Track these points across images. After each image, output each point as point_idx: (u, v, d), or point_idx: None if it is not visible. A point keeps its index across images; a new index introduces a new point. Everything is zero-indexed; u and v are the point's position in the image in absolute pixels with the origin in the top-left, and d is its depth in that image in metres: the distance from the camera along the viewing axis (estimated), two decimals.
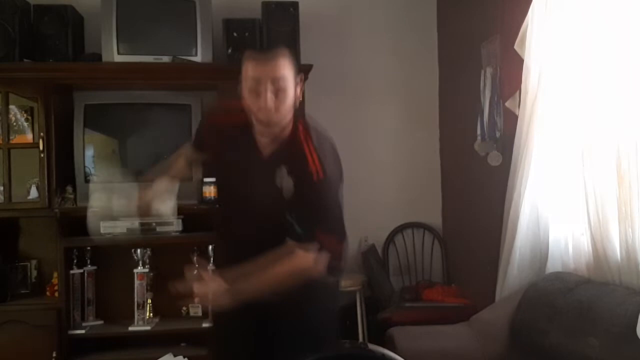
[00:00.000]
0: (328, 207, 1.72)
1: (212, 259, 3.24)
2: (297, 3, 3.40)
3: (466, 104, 3.41)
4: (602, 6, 2.16)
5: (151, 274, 3.27)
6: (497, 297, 2.70)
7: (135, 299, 3.23)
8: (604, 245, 2.17)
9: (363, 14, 3.90)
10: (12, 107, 3.25)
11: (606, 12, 2.13)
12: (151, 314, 3.27)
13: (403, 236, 3.90)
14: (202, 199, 3.23)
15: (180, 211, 3.23)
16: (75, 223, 3.23)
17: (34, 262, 3.41)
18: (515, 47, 2.66)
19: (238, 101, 1.74)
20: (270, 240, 1.68)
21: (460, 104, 3.59)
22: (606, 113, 2.15)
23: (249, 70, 1.68)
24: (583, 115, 2.28)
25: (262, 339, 1.82)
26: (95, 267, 3.31)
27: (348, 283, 3.34)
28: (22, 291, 3.33)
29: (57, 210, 3.12)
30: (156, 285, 3.29)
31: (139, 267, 3.23)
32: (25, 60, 3.19)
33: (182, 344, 3.18)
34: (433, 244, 3.90)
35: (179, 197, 3.17)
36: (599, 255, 2.21)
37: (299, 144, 1.72)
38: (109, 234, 3.20)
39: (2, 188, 3.20)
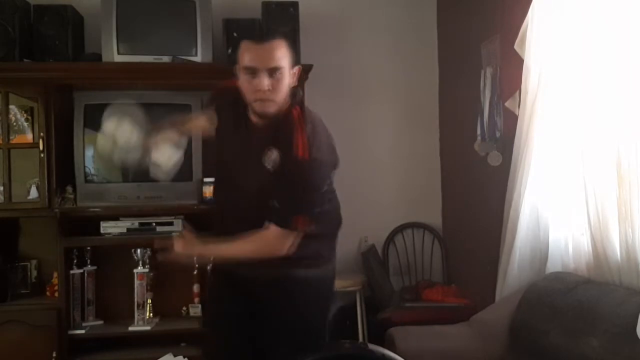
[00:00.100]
0: (306, 189, 1.71)
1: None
2: (297, 3, 3.40)
3: (466, 104, 3.41)
4: (602, 6, 2.16)
5: (151, 274, 3.27)
6: (497, 297, 2.70)
7: (135, 299, 3.23)
8: (604, 245, 2.17)
9: (363, 14, 3.90)
10: (12, 107, 3.25)
11: (606, 12, 2.13)
12: (151, 314, 3.27)
13: (403, 236, 3.90)
14: (202, 199, 3.23)
15: (180, 211, 3.25)
16: (75, 223, 3.24)
17: (34, 262, 3.41)
18: (515, 47, 2.66)
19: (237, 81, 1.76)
20: (257, 218, 1.70)
21: (460, 104, 3.59)
22: (606, 113, 2.14)
23: (245, 59, 1.69)
24: (583, 115, 2.28)
25: (249, 321, 1.85)
26: (95, 267, 3.31)
27: (348, 283, 3.34)
28: (22, 291, 3.33)
29: (57, 210, 3.11)
30: (156, 285, 3.30)
31: (139, 267, 3.23)
32: (25, 60, 3.19)
33: (182, 344, 3.18)
34: (433, 244, 3.90)
35: (179, 197, 3.22)
36: (599, 255, 2.21)
37: (290, 125, 1.71)
38: (108, 234, 3.21)
39: (2, 188, 3.20)
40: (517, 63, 2.65)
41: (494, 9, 3.06)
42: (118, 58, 3.20)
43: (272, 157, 1.72)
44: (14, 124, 3.27)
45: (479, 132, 3.16)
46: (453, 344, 2.54)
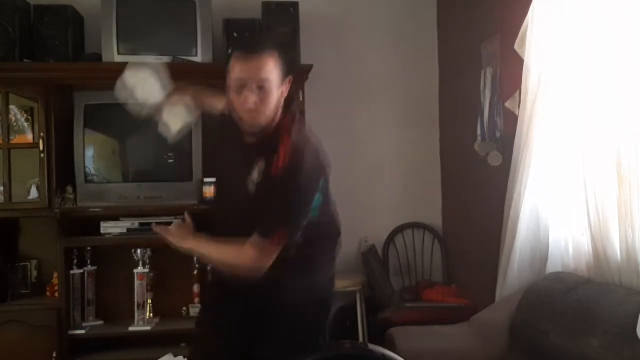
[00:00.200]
0: (288, 202, 1.68)
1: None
2: (297, 3, 3.40)
3: (466, 104, 3.41)
4: (602, 6, 2.16)
5: (151, 274, 3.27)
6: (497, 297, 2.70)
7: (135, 299, 3.23)
8: (604, 245, 2.17)
9: (363, 14, 3.90)
10: (12, 107, 3.25)
11: (606, 12, 2.13)
12: (151, 314, 3.27)
13: (403, 236, 3.90)
14: (202, 199, 3.23)
15: (180, 211, 3.24)
16: (75, 223, 3.24)
17: (34, 262, 3.41)
18: (515, 47, 2.66)
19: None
20: (247, 232, 1.69)
21: (460, 104, 3.59)
22: (606, 113, 2.14)
23: (235, 70, 1.68)
24: (583, 115, 2.28)
25: (248, 321, 1.85)
26: (95, 267, 3.31)
27: (348, 283, 3.34)
28: (22, 291, 3.33)
29: (57, 210, 3.12)
30: (156, 285, 3.30)
31: (139, 267, 3.23)
32: (25, 60, 3.19)
33: (182, 344, 3.17)
34: (433, 244, 3.90)
35: (179, 197, 3.22)
36: (599, 255, 2.21)
37: (277, 138, 1.70)
38: (108, 234, 3.21)
39: (2, 188, 3.20)
40: (517, 63, 2.65)
41: (494, 9, 3.06)
42: (118, 58, 3.20)
43: (259, 170, 1.73)
44: (14, 124, 3.27)
45: (479, 132, 3.16)
46: (453, 344, 2.54)
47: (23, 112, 3.29)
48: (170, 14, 3.34)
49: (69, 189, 3.19)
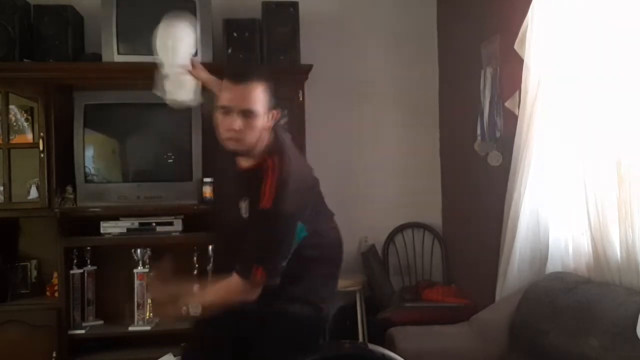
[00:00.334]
0: (268, 240, 1.72)
1: (212, 259, 3.24)
2: (297, 3, 3.40)
3: (466, 104, 3.41)
4: (602, 6, 2.16)
5: (151, 274, 3.27)
6: (497, 297, 2.70)
7: (135, 299, 3.23)
8: (604, 245, 2.17)
9: (363, 14, 3.90)
10: (12, 107, 3.25)
11: (606, 12, 2.13)
12: (151, 314, 3.27)
13: (403, 236, 3.90)
14: (202, 199, 3.23)
15: (180, 211, 3.25)
16: (75, 223, 3.24)
17: (34, 262, 3.41)
18: (515, 47, 2.66)
19: None
20: (234, 258, 1.74)
21: (460, 104, 3.59)
22: (606, 113, 2.14)
23: (222, 98, 1.74)
24: (583, 115, 2.28)
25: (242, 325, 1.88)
26: (95, 267, 3.31)
27: (348, 283, 3.34)
28: (22, 291, 3.33)
29: (57, 210, 3.11)
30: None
31: (139, 267, 3.23)
32: (25, 60, 3.19)
33: (182, 344, 3.17)
34: (433, 244, 3.90)
35: (179, 197, 3.23)
36: (599, 255, 2.21)
37: (262, 175, 1.74)
38: (108, 234, 3.21)
39: (2, 188, 3.20)
40: (517, 63, 2.65)
41: (494, 9, 3.06)
42: (118, 58, 3.20)
43: (244, 205, 1.78)
44: (14, 124, 3.27)
45: (479, 132, 3.16)
46: (453, 344, 2.54)
47: (23, 112, 3.29)
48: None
49: (69, 189, 3.19)
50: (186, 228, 3.24)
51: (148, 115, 3.31)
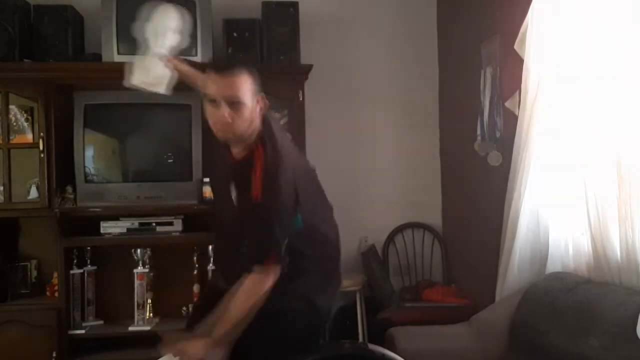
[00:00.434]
0: (266, 230, 1.71)
1: (212, 259, 3.24)
2: (297, 3, 3.40)
3: (466, 104, 3.41)
4: (602, 6, 2.16)
5: (151, 274, 3.27)
6: (497, 297, 2.70)
7: (135, 299, 3.23)
8: (604, 245, 2.17)
9: (363, 14, 3.90)
10: (12, 107, 3.25)
11: (606, 12, 2.13)
12: (151, 314, 3.27)
13: (403, 236, 3.90)
14: (202, 199, 3.23)
15: (180, 211, 3.25)
16: (75, 223, 3.24)
17: (34, 262, 3.41)
18: (515, 47, 2.66)
19: None
20: (233, 247, 1.75)
21: (460, 104, 3.59)
22: (606, 113, 2.14)
23: (208, 89, 1.75)
24: (583, 115, 2.28)
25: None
26: (95, 267, 3.31)
27: (348, 283, 3.34)
28: (22, 291, 3.33)
29: (57, 210, 3.11)
30: (156, 285, 3.30)
31: (139, 267, 3.23)
32: (25, 60, 3.19)
33: None
34: (433, 244, 3.90)
35: (179, 197, 3.23)
36: (599, 255, 2.21)
37: (250, 165, 1.74)
38: (108, 234, 3.21)
39: (2, 188, 3.20)
40: (517, 63, 2.65)
41: (494, 9, 3.06)
42: (118, 58, 3.20)
43: (234, 195, 1.80)
44: (14, 124, 3.27)
45: (479, 132, 3.16)
46: (453, 344, 2.54)
47: (23, 112, 3.29)
48: None
49: (69, 189, 3.18)
50: (186, 228, 3.24)
51: (148, 115, 3.32)
